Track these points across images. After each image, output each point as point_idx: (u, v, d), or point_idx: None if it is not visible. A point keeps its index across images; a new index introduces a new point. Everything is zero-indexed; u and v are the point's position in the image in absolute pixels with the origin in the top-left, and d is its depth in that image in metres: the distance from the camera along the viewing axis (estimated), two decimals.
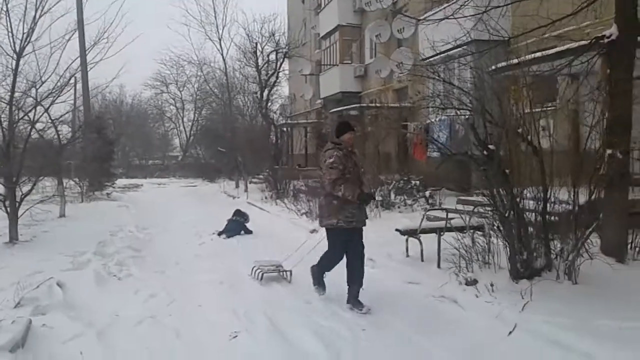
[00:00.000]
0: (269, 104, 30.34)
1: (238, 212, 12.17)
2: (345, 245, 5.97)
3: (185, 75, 48.74)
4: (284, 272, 7.35)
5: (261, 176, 22.69)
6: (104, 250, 8.89)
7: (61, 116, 12.87)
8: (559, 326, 4.62)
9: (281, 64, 29.97)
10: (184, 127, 53.34)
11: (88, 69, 18.27)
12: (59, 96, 10.89)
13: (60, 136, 14.01)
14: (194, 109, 50.44)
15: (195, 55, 69.12)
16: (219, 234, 11.44)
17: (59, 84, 10.75)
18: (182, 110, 53.07)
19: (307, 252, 7.22)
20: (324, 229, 6.16)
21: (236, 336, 5.06)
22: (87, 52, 16.57)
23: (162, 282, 7.38)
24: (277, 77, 30.12)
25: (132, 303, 6.31)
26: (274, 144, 26.98)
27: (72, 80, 13.43)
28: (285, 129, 29.91)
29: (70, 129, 18.51)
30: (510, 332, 4.84)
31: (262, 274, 7.28)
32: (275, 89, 31.52)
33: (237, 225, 11.72)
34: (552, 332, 4.59)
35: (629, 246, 6.70)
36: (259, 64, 29.50)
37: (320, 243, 6.60)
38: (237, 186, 25.26)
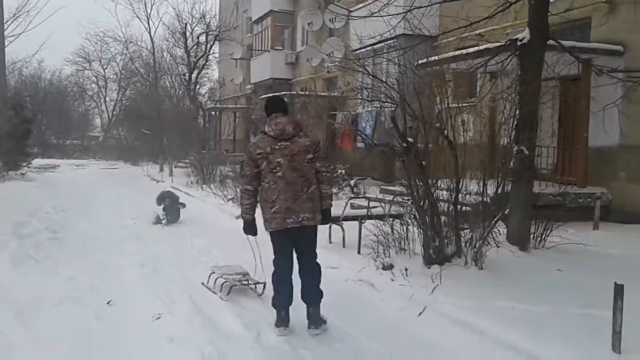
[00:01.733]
0: (198, 87, 29.96)
1: (167, 194, 11.48)
2: None
3: (110, 53, 46.95)
4: (255, 285, 5.96)
5: (187, 160, 22.38)
6: (20, 232, 8.60)
7: None
8: (463, 307, 5.03)
9: (211, 47, 29.70)
10: (106, 107, 51.39)
11: (7, 43, 17.28)
12: None
13: None
14: (118, 88, 48.63)
15: (122, 32, 66.74)
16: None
17: None
18: (104, 89, 51.05)
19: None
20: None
21: (159, 317, 5.14)
22: (7, 23, 15.70)
23: (82, 264, 7.27)
24: (206, 60, 29.84)
25: (50, 285, 6.21)
26: (201, 128, 26.69)
27: None
28: (213, 113, 29.58)
29: None
30: (420, 313, 5.21)
31: (230, 287, 5.82)
32: (204, 71, 31.19)
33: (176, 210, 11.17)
34: (456, 312, 4.99)
35: (531, 236, 7.29)
36: (188, 45, 29.02)
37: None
38: (161, 170, 24.73)
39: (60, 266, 7.05)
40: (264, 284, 5.82)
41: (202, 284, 6.23)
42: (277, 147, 4.75)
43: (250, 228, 5.02)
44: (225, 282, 5.90)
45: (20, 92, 23.19)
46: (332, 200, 5.07)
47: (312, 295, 4.96)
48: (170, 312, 5.29)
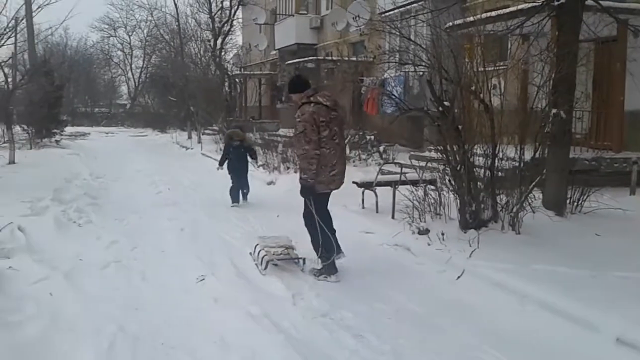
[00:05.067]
0: (223, 53, 29.83)
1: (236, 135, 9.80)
2: None
3: (135, 20, 47.13)
4: (298, 260, 5.73)
5: (215, 127, 22.51)
6: (61, 197, 8.85)
7: (9, 58, 12.37)
8: (501, 270, 5.07)
9: (235, 12, 29.39)
10: (132, 74, 51.79)
11: (38, 10, 17.33)
12: (9, 37, 10.45)
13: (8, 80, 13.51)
14: (143, 55, 48.85)
15: None
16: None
17: (10, 24, 10.29)
18: (130, 56, 51.38)
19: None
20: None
21: (203, 279, 5.29)
22: None
23: (123, 229, 7.51)
24: (231, 25, 29.57)
25: (94, 248, 6.43)
26: (227, 94, 26.71)
27: (23, 22, 12.89)
28: (239, 79, 29.52)
29: (9, 72, 17.80)
30: (458, 277, 5.27)
31: (268, 262, 5.58)
32: (229, 37, 30.98)
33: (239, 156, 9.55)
34: (495, 275, 5.03)
35: (567, 201, 7.24)
36: (213, 10, 28.83)
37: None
38: (189, 137, 24.99)
39: (103, 231, 7.28)
40: (304, 259, 5.72)
41: (250, 254, 6.08)
42: (331, 116, 5.33)
43: (311, 191, 5.36)
44: (265, 255, 5.65)
45: (49, 58, 23.46)
46: None
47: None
48: (213, 274, 5.43)
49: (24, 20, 17.07)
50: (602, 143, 10.44)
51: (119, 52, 51.80)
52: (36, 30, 23.83)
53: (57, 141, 19.21)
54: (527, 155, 6.62)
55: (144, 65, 48.75)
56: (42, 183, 9.82)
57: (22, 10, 15.14)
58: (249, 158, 9.72)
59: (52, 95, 18.61)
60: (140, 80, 49.14)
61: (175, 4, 33.15)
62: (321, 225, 5.40)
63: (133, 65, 51.61)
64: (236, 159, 9.47)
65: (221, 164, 9.63)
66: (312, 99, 5.33)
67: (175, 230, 7.38)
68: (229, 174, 9.47)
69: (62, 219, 7.58)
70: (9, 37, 12.54)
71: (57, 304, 4.68)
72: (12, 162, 12.98)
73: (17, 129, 16.99)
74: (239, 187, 9.42)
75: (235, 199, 9.29)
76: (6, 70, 14.36)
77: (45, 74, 18.56)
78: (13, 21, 12.68)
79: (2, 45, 10.95)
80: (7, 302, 4.55)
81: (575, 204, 7.25)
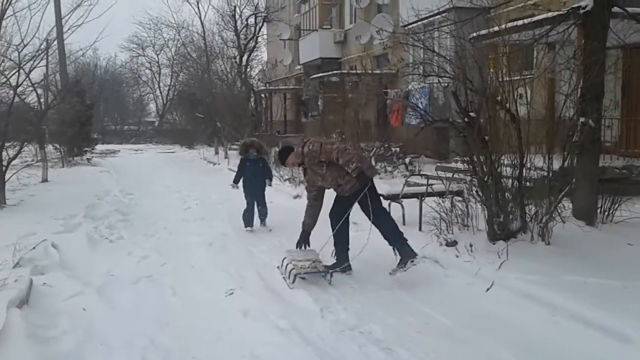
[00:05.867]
0: (249, 69, 30.21)
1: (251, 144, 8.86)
2: None
3: (162, 39, 47.95)
4: (325, 274, 5.71)
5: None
6: (94, 214, 9.06)
7: (41, 80, 12.77)
8: (532, 282, 5.00)
9: (260, 28, 29.78)
10: (161, 92, 52.62)
11: (69, 32, 17.81)
12: (41, 59, 10.79)
13: (41, 100, 13.93)
14: (171, 73, 49.60)
15: (173, 18, 67.85)
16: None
17: (42, 46, 10.64)
18: (158, 74, 52.25)
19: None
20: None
21: (232, 293, 5.35)
22: (69, 15, 16.16)
23: (153, 244, 7.62)
24: (256, 42, 29.95)
25: (126, 264, 6.55)
26: (253, 109, 27.03)
27: (54, 44, 13.32)
28: (264, 95, 29.82)
29: (41, 93, 18.30)
30: (488, 289, 5.22)
31: (295, 276, 5.60)
32: (254, 54, 31.37)
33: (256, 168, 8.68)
34: (525, 287, 4.96)
35: (598, 210, 7.11)
36: (238, 27, 29.27)
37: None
38: (216, 152, 25.30)
39: (133, 246, 7.41)
40: (332, 273, 5.73)
41: (277, 267, 6.08)
42: None
43: (367, 179, 5.74)
44: (293, 269, 5.66)
45: (80, 78, 24.08)
46: None
47: None
48: (241, 288, 5.48)
49: (55, 42, 17.57)
50: (632, 151, 10.27)
51: (147, 71, 52.76)
52: (67, 52, 24.55)
53: (88, 159, 19.68)
54: (556, 165, 6.54)
55: (172, 83, 49.49)
56: (74, 200, 10.06)
57: (53, 33, 15.64)
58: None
59: (83, 115, 19.11)
60: (168, 97, 49.90)
61: (202, 23, 33.73)
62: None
63: (161, 84, 52.49)
64: (252, 174, 8.63)
65: (236, 180, 8.76)
66: (313, 139, 6.05)
67: (204, 245, 7.47)
68: (244, 192, 8.68)
69: (94, 236, 7.75)
70: (41, 59, 12.90)
71: (90, 319, 4.77)
72: (45, 180, 13.31)
73: (49, 148, 17.41)
74: (253, 209, 8.64)
75: (248, 222, 8.54)
76: (39, 91, 14.82)
77: (77, 94, 19.06)
78: (45, 43, 13.08)
79: (35, 67, 11.23)
80: (42, 318, 4.65)
81: (606, 213, 7.12)
